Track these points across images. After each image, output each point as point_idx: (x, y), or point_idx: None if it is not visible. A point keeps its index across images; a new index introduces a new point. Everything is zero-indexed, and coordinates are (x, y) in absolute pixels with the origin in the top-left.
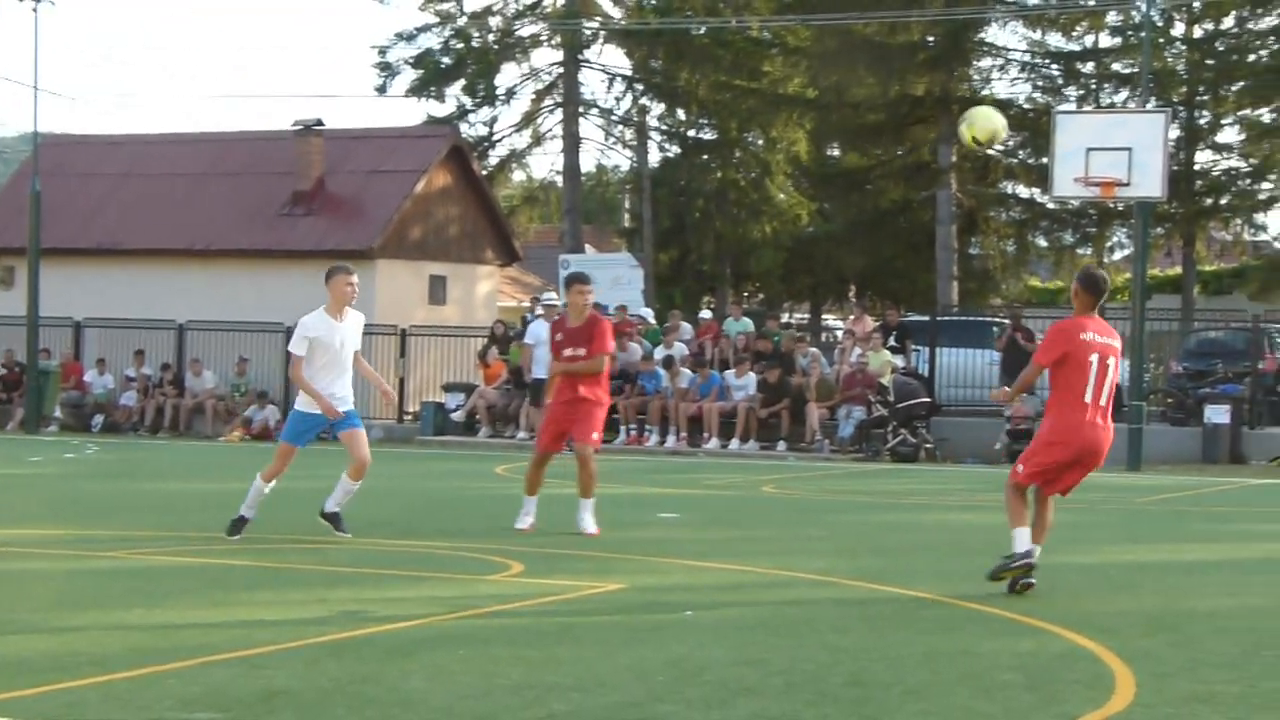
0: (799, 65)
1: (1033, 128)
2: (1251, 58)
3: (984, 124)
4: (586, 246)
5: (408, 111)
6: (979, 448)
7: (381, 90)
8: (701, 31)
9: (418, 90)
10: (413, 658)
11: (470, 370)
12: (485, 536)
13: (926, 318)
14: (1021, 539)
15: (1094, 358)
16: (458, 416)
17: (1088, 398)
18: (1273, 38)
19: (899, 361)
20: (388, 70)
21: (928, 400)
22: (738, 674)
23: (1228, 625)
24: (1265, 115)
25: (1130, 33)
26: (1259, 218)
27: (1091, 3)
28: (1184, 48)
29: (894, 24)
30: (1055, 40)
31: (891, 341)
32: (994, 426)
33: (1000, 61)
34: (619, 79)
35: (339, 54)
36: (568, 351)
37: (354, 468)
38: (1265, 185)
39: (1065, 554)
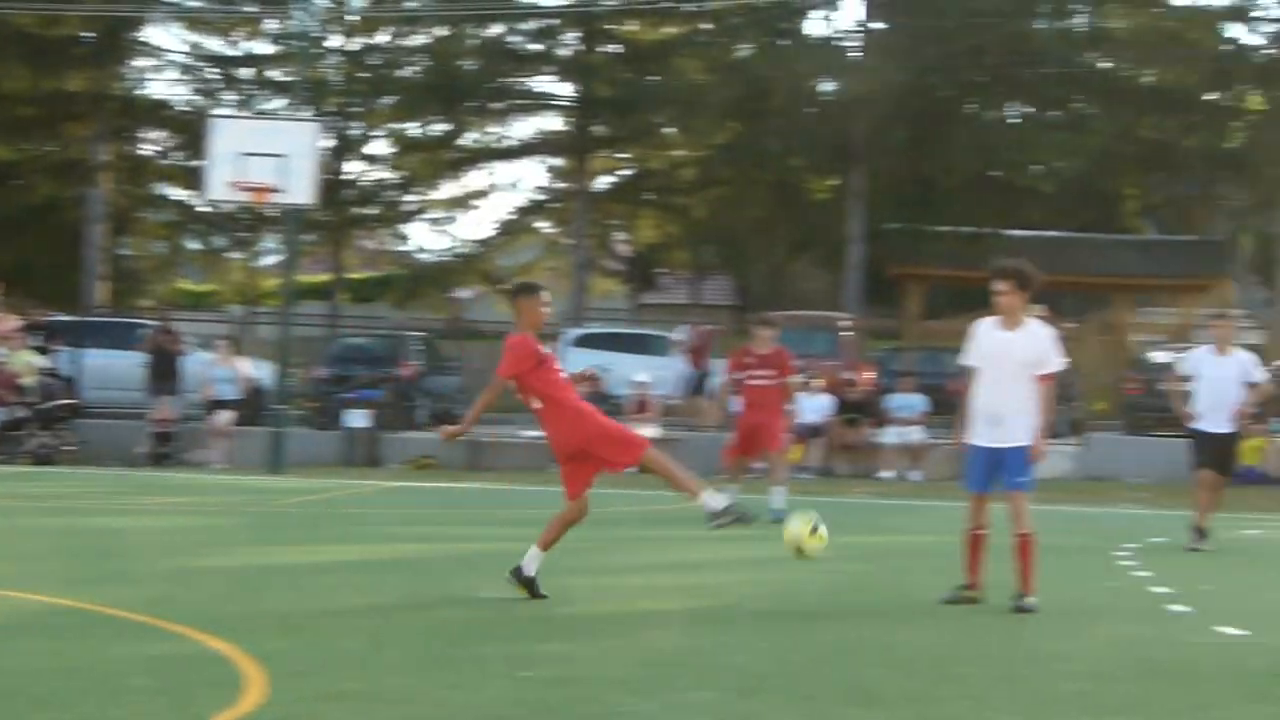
0: None
1: (189, 130)
2: (403, 72)
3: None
4: None
5: None
6: (122, 450)
7: None
8: None
9: None
10: None
11: None
12: None
13: (73, 318)
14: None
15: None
16: None
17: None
18: (424, 54)
19: (42, 362)
20: None
21: (70, 402)
22: None
23: (357, 624)
24: (414, 129)
25: (288, 41)
26: (404, 228)
27: (251, 9)
28: (339, 59)
29: (50, 17)
30: (214, 44)
31: (37, 341)
32: (138, 429)
33: (158, 62)
34: None
35: None
36: None
37: None
38: (411, 197)
39: (202, 557)
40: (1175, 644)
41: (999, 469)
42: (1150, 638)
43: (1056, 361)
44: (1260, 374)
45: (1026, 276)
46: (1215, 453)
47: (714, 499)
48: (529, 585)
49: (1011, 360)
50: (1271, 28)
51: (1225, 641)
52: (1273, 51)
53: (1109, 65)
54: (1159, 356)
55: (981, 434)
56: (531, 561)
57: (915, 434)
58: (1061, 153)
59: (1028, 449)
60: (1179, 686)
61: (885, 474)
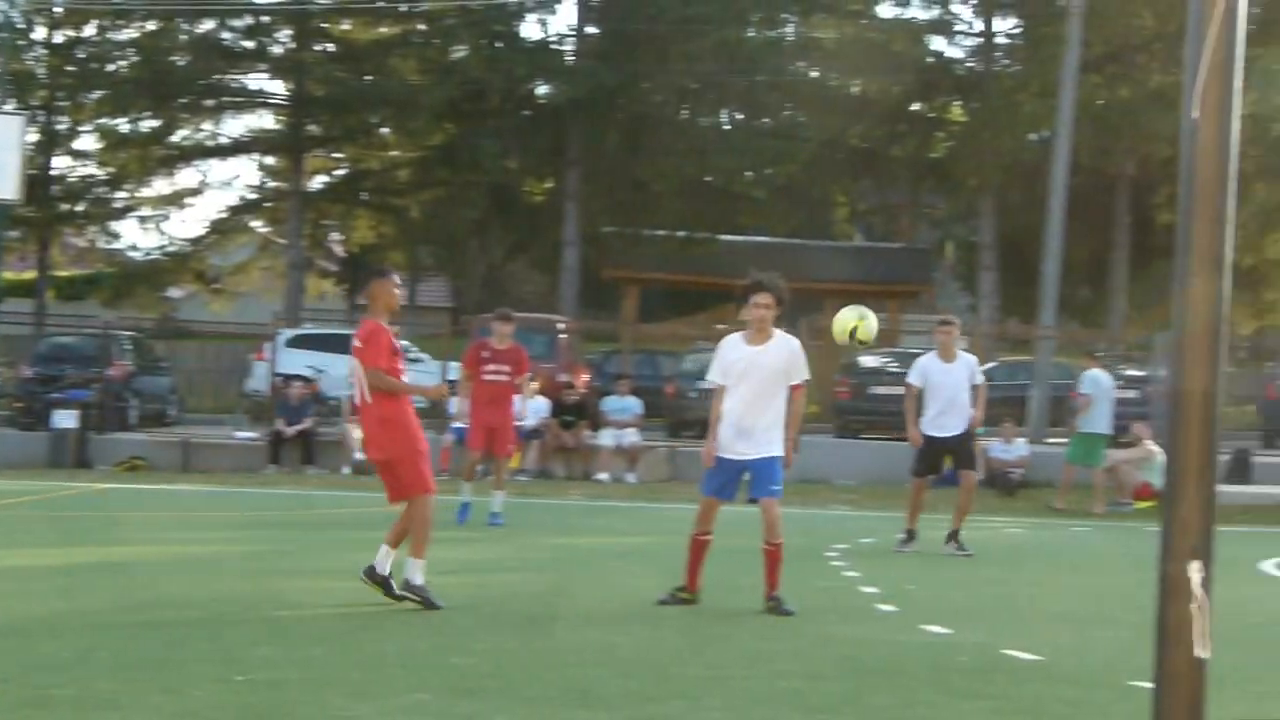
0: None
1: None
2: (112, 67)
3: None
4: None
5: None
6: None
7: None
8: None
9: None
10: None
11: None
12: None
13: None
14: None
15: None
16: None
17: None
18: (132, 49)
19: None
20: None
21: None
22: None
23: (65, 629)
24: (123, 125)
25: None
26: (114, 225)
27: None
28: (45, 52)
29: None
30: None
31: None
32: None
33: None
34: None
35: None
36: None
37: None
38: (121, 194)
39: None
40: (884, 643)
41: (742, 479)
42: (860, 637)
43: (805, 370)
44: (980, 376)
45: (785, 291)
46: (951, 456)
47: (419, 575)
48: (383, 584)
49: (762, 373)
50: (972, 42)
51: (930, 640)
52: (973, 65)
53: (818, 74)
54: (868, 361)
55: (729, 446)
56: (384, 560)
57: (631, 436)
58: (773, 159)
59: (778, 459)
60: (888, 684)
61: (601, 476)
